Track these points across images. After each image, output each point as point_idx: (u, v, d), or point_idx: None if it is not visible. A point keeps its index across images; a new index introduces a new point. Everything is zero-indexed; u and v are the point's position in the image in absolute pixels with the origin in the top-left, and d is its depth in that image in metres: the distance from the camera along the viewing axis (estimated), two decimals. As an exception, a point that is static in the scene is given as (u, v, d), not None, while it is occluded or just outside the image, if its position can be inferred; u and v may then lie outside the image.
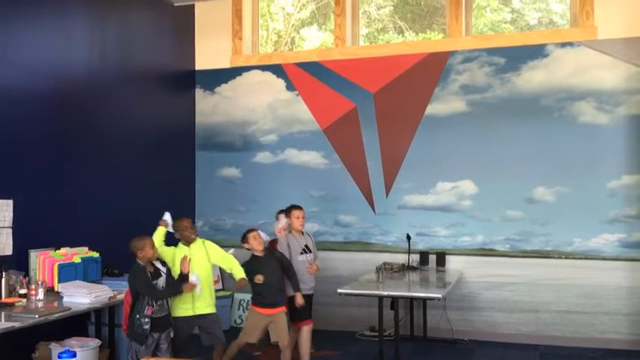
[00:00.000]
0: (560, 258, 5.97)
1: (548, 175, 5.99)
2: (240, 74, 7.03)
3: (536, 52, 6.07)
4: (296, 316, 4.89)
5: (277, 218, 5.76)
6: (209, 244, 4.69)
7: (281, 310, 4.72)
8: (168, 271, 4.22)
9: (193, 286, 4.20)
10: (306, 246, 5.07)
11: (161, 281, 4.05)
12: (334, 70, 6.69)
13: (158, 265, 4.18)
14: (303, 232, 5.12)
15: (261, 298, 4.67)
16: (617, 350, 5.64)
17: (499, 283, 6.11)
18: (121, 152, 5.85)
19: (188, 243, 4.55)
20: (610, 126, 5.82)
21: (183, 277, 4.20)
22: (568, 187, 5.94)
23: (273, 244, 5.21)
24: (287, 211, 5.16)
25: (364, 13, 8.02)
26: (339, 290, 5.00)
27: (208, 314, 4.50)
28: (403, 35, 7.89)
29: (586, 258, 5.88)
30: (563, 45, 5.98)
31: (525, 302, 6.03)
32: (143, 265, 4.00)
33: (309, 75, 6.76)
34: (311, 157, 6.76)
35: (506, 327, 6.05)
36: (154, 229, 4.46)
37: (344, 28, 6.74)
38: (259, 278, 4.65)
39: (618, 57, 5.80)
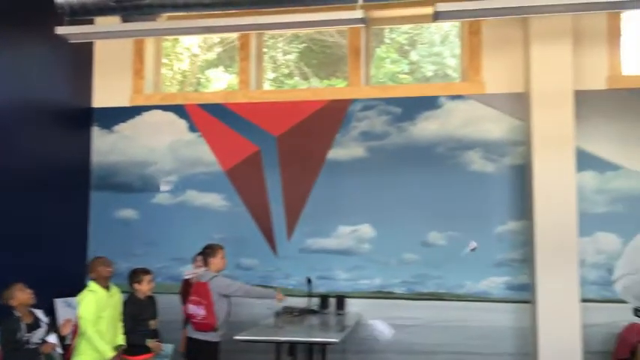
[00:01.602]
0: (452, 300, 6.20)
1: (442, 220, 6.26)
2: (140, 113, 6.88)
3: (430, 103, 6.41)
4: None
5: (196, 260, 5.62)
6: (119, 291, 4.72)
7: (152, 355, 4.74)
8: (52, 322, 3.98)
9: (52, 347, 3.99)
10: None
11: (39, 333, 3.79)
12: (238, 112, 6.71)
13: (39, 315, 3.93)
14: None
15: (137, 346, 4.62)
16: (505, 389, 5.90)
17: (396, 326, 6.24)
18: (6, 192, 5.49)
19: (106, 283, 4.44)
20: (496, 175, 6.21)
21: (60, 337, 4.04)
22: (459, 232, 6.23)
23: (201, 286, 5.02)
24: (211, 252, 5.05)
25: (271, 57, 8.17)
26: (236, 337, 4.92)
27: None
28: (309, 81, 8.10)
29: (476, 300, 6.15)
30: (454, 98, 6.37)
31: (421, 344, 6.18)
32: (19, 315, 3.72)
33: (213, 117, 6.74)
34: (212, 199, 6.67)
35: (402, 369, 6.16)
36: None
37: (248, 72, 6.81)
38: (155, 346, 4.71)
39: (503, 110, 6.25)
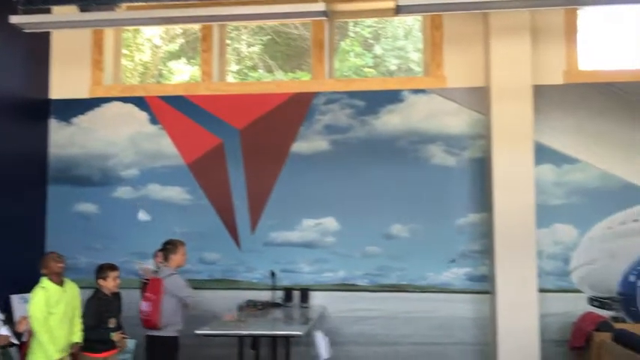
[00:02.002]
0: (415, 292, 6.27)
1: (404, 213, 6.32)
2: (99, 105, 6.74)
3: (393, 96, 6.44)
4: None
5: (157, 256, 5.57)
6: (75, 287, 4.59)
7: (115, 352, 4.69)
8: (9, 319, 3.89)
9: (6, 339, 3.92)
10: None
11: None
12: (200, 105, 6.63)
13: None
14: None
15: (101, 342, 4.56)
16: (465, 378, 6.01)
17: (359, 318, 6.29)
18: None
19: (58, 278, 4.30)
20: (457, 168, 6.29)
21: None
22: (421, 224, 6.30)
23: (156, 282, 4.97)
24: (173, 247, 4.98)
25: (234, 49, 8.10)
26: (197, 331, 4.88)
27: None
28: (273, 74, 8.07)
29: (438, 291, 6.23)
30: (417, 91, 6.42)
31: (384, 335, 6.24)
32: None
33: (174, 109, 6.64)
34: (174, 193, 6.58)
35: (366, 361, 6.22)
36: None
37: (211, 64, 6.73)
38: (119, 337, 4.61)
39: (464, 104, 6.33)
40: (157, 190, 6.60)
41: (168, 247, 5.03)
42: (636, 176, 6.06)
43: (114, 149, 6.71)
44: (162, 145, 6.64)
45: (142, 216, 5.26)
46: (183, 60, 8.08)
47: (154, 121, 6.69)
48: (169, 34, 7.85)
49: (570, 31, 6.24)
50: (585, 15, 6.52)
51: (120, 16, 5.55)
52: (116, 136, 6.70)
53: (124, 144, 6.70)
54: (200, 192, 6.57)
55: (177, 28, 7.69)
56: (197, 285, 6.36)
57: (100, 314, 4.59)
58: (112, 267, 4.74)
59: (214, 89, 6.66)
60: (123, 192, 6.63)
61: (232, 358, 6.03)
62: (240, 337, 4.98)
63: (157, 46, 7.85)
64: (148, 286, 4.98)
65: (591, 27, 6.68)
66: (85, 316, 4.57)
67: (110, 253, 6.41)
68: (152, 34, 7.78)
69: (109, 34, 6.87)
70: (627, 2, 5.70)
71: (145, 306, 4.86)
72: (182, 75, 8.09)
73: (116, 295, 4.82)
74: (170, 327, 4.86)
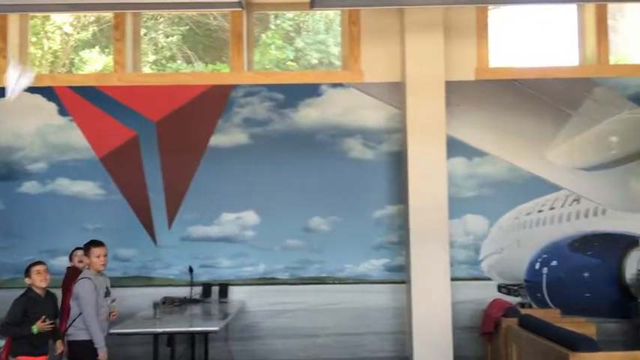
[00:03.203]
0: (334, 283, 6.35)
1: (323, 206, 6.37)
2: (3, 96, 6.35)
3: (312, 90, 6.46)
4: None
5: (74, 256, 5.46)
6: None
7: (47, 357, 4.49)
8: None
9: None
10: (107, 288, 4.78)
11: None
12: (113, 96, 6.38)
13: None
14: (102, 273, 4.78)
15: (31, 345, 4.35)
16: (384, 366, 6.14)
17: (279, 311, 6.29)
18: None
19: None
20: (375, 161, 6.40)
21: None
22: (340, 217, 6.37)
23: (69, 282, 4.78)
24: (85, 249, 4.74)
25: (151, 39, 7.87)
26: (110, 330, 4.75)
27: None
28: (192, 65, 7.89)
29: (356, 282, 6.34)
30: (335, 85, 6.47)
31: (303, 328, 6.28)
32: None
33: (85, 100, 6.36)
34: (86, 188, 6.32)
35: (285, 354, 6.23)
36: None
37: (124, 54, 6.49)
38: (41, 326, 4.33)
39: (381, 99, 6.44)
40: (67, 185, 6.31)
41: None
42: (541, 169, 6.40)
43: (20, 142, 6.35)
44: (73, 137, 6.35)
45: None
46: (97, 49, 7.75)
47: (63, 112, 6.38)
48: (81, 22, 7.50)
49: (481, 28, 6.47)
50: (496, 13, 6.79)
51: (25, 1, 5.27)
52: (22, 128, 6.34)
53: (30, 136, 6.35)
54: (113, 186, 6.34)
55: (90, 16, 7.36)
56: (111, 283, 6.17)
57: (24, 312, 4.34)
58: (35, 262, 4.52)
59: (128, 80, 6.43)
60: (29, 187, 6.30)
61: (148, 356, 5.91)
62: (156, 335, 4.86)
63: (67, 34, 7.49)
64: None
65: (501, 25, 6.97)
66: (8, 313, 4.32)
67: (16, 251, 6.13)
68: (62, 21, 7.41)
69: (14, 20, 6.48)
70: (534, 2, 6.00)
71: None
72: (96, 65, 7.76)
73: (50, 296, 4.58)
74: (83, 330, 4.62)
